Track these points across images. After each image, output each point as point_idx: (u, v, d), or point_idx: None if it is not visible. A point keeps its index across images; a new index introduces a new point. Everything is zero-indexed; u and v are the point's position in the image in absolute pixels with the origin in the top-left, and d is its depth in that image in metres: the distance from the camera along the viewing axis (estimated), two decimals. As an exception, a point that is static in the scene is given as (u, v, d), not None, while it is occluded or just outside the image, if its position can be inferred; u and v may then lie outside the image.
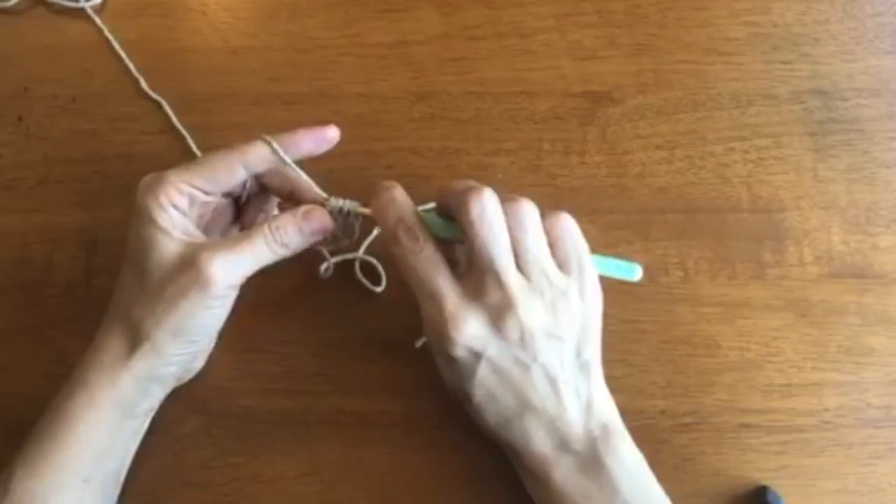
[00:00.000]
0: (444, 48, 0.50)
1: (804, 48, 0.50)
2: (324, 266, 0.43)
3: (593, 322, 0.37)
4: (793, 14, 0.51)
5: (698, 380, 0.43)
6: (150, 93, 0.48)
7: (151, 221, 0.36)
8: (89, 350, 0.37)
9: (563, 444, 0.35)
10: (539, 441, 0.35)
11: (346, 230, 0.39)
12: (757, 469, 0.41)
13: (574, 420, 0.36)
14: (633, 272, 0.39)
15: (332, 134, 0.38)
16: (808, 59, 0.50)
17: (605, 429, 0.36)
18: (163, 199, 0.36)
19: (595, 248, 0.45)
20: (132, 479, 0.39)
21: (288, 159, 0.37)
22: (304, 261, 0.40)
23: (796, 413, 0.42)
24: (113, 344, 0.36)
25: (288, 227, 0.37)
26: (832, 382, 0.43)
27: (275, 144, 0.37)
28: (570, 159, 0.47)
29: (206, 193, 0.37)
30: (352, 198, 0.39)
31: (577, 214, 0.46)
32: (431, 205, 0.40)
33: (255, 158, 0.37)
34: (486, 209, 0.34)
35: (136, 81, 0.49)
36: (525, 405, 0.35)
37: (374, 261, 0.43)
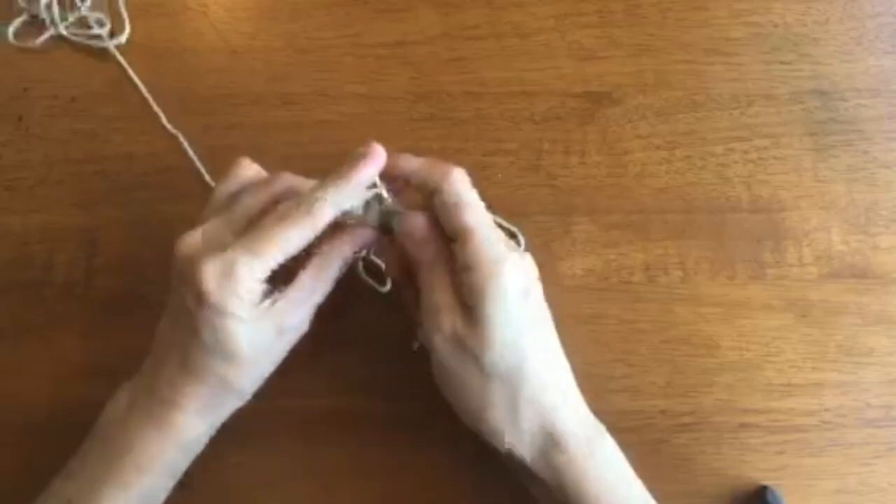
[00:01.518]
0: (444, 48, 0.50)
1: (804, 48, 0.50)
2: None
3: None
4: (793, 14, 0.51)
5: (698, 380, 0.43)
6: (169, 127, 0.47)
7: (239, 319, 0.34)
8: (173, 412, 0.36)
9: (585, 414, 0.36)
10: (574, 411, 0.36)
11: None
12: (757, 469, 0.41)
13: (578, 398, 0.37)
14: None
15: (380, 156, 0.37)
16: (808, 59, 0.50)
17: (595, 420, 0.37)
18: (245, 294, 0.34)
19: (595, 248, 0.45)
20: (132, 479, 0.39)
21: (353, 205, 0.37)
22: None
23: (796, 413, 0.42)
24: (202, 408, 0.36)
25: (334, 263, 0.38)
26: (832, 382, 0.43)
27: (337, 202, 0.36)
28: (570, 159, 0.47)
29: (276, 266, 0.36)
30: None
31: (577, 214, 0.46)
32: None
33: (321, 226, 0.36)
34: (468, 184, 0.37)
35: (136, 85, 0.49)
36: (558, 361, 0.36)
37: (378, 261, 0.43)
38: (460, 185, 0.36)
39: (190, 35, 0.51)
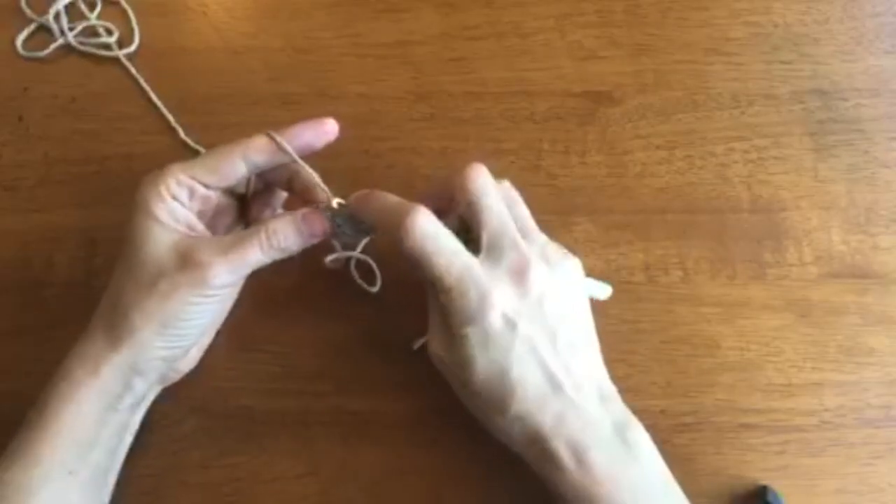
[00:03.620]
0: (444, 48, 0.50)
1: (804, 48, 0.50)
2: (331, 257, 0.41)
3: (583, 295, 0.38)
4: (793, 14, 0.51)
5: (698, 380, 0.43)
6: (189, 141, 0.47)
7: (149, 212, 0.36)
8: (78, 341, 0.37)
9: (593, 428, 0.35)
10: (572, 428, 0.35)
11: (355, 229, 0.39)
12: (757, 469, 0.41)
13: (593, 401, 0.36)
14: (605, 291, 0.41)
15: (330, 127, 0.38)
16: (808, 59, 0.50)
17: (625, 415, 0.36)
18: (162, 189, 0.36)
19: (595, 248, 0.45)
20: (132, 479, 0.39)
21: (289, 149, 0.37)
22: (303, 260, 0.40)
23: (796, 413, 0.42)
24: (99, 335, 0.36)
25: (285, 230, 0.37)
26: (832, 382, 0.43)
27: (276, 136, 0.37)
28: (570, 159, 0.47)
29: (207, 187, 0.37)
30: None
31: (577, 214, 0.46)
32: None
33: (254, 151, 0.37)
34: (488, 184, 0.37)
35: (139, 85, 0.49)
36: (554, 383, 0.35)
37: (370, 260, 0.43)
38: (417, 238, 0.34)
39: (190, 35, 0.51)
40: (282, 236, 0.37)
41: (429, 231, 0.35)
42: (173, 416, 0.41)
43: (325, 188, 0.38)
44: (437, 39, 0.50)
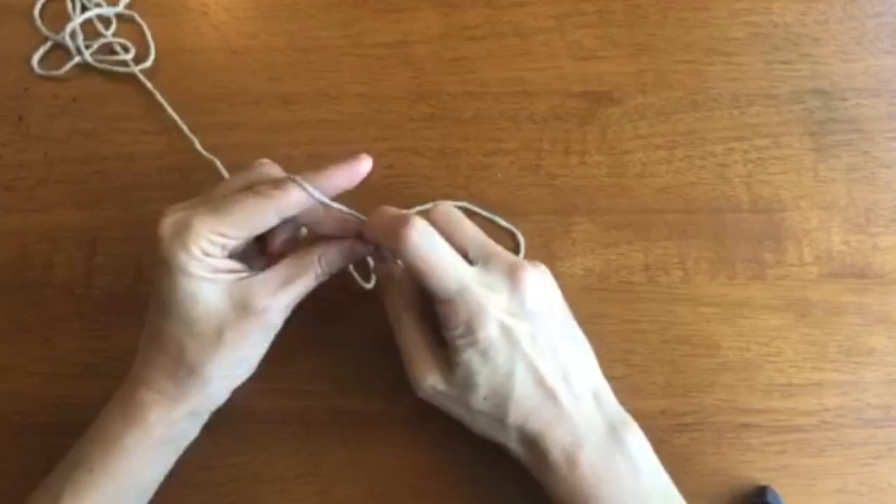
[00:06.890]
0: (444, 48, 0.50)
1: (804, 48, 0.50)
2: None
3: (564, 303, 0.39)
4: (793, 14, 0.51)
5: (698, 380, 0.43)
6: (204, 153, 0.46)
7: (190, 274, 0.34)
8: (139, 388, 0.36)
9: (586, 431, 0.35)
10: (566, 431, 0.35)
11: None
12: (757, 469, 0.41)
13: (588, 402, 0.36)
14: None
15: (365, 167, 0.37)
16: (808, 59, 0.50)
17: (620, 415, 0.37)
18: (195, 250, 0.34)
19: (595, 248, 0.46)
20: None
21: (326, 199, 0.36)
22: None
23: (796, 413, 0.42)
24: (166, 385, 0.36)
25: (337, 260, 0.38)
26: (832, 382, 0.43)
27: (309, 188, 0.35)
28: (570, 159, 0.47)
29: (236, 239, 0.36)
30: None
31: (577, 214, 0.46)
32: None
33: (288, 204, 0.35)
34: (452, 212, 0.39)
35: (134, 75, 0.49)
36: (547, 387, 0.35)
37: (368, 257, 0.43)
38: (413, 250, 0.34)
39: (190, 35, 0.51)
40: (333, 265, 0.38)
41: (424, 243, 0.35)
42: (173, 416, 0.41)
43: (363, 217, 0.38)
44: (437, 39, 0.50)
